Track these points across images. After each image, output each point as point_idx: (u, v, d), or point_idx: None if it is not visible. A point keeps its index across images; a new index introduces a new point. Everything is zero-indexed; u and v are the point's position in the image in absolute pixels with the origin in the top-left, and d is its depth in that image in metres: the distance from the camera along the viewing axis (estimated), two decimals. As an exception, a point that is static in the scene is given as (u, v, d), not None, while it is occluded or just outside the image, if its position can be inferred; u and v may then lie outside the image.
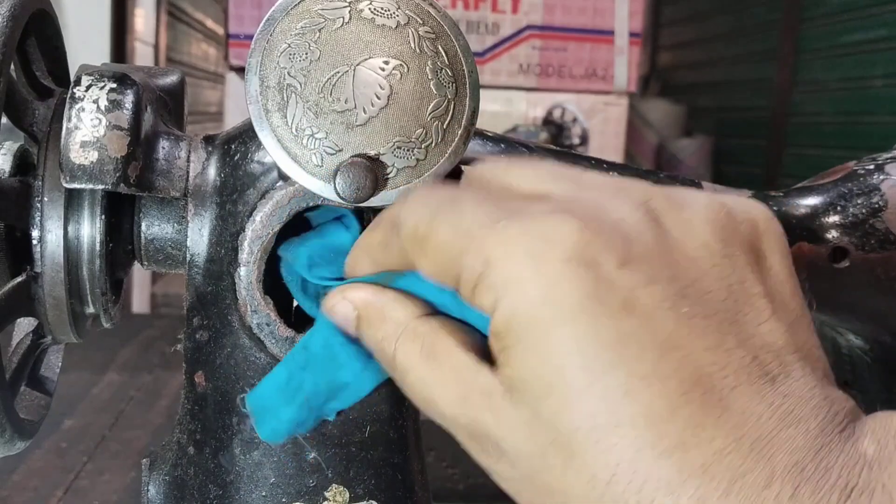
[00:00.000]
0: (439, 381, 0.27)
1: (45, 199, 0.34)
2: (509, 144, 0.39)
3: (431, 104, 0.33)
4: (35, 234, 0.34)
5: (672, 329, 0.24)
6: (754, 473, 0.22)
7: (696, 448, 0.22)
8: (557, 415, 0.24)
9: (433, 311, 0.29)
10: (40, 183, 0.34)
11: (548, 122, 2.30)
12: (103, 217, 0.35)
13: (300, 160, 0.32)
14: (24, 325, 0.39)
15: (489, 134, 0.40)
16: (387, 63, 0.33)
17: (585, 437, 0.23)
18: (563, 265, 0.24)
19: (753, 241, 0.27)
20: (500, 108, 2.21)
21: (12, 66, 0.33)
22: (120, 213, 0.36)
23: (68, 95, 0.33)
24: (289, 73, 0.32)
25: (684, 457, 0.22)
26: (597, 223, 0.25)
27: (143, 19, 2.91)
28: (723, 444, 0.23)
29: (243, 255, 0.35)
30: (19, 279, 0.34)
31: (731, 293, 0.25)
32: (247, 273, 0.35)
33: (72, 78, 0.35)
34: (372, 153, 0.32)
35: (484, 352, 0.27)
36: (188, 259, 0.36)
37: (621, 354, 0.23)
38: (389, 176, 0.33)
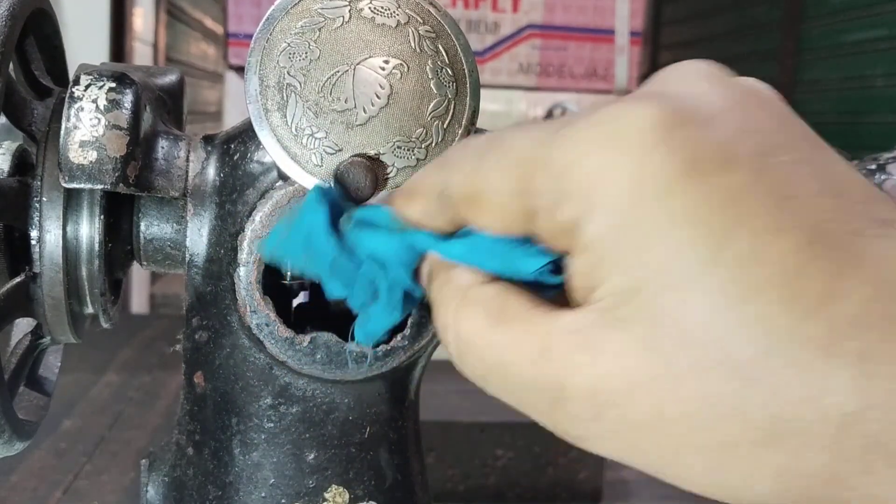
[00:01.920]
0: (512, 340, 0.24)
1: (44, 199, 0.34)
2: (510, 144, 0.39)
3: (432, 104, 0.33)
4: (34, 234, 0.34)
5: (780, 177, 0.22)
6: None
7: (843, 300, 0.20)
8: (683, 306, 0.21)
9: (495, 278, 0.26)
10: (39, 183, 0.34)
11: (548, 121, 2.30)
12: (102, 217, 0.35)
13: (300, 160, 0.32)
14: (22, 326, 0.39)
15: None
16: (387, 62, 0.33)
17: (723, 316, 0.21)
18: (647, 136, 0.22)
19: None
20: (501, 108, 2.21)
21: (11, 66, 0.33)
22: (119, 213, 0.36)
23: (67, 95, 0.33)
24: (288, 73, 0.32)
25: (834, 310, 0.20)
26: (664, 97, 0.23)
27: (142, 19, 2.91)
28: (871, 291, 0.20)
29: (243, 256, 0.35)
30: (18, 279, 0.34)
31: (809, 142, 0.23)
32: (246, 273, 0.35)
33: (71, 77, 0.35)
34: (372, 153, 0.32)
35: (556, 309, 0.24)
36: (187, 259, 0.36)
37: (738, 213, 0.21)
38: (389, 176, 0.32)
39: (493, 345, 0.24)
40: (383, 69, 0.32)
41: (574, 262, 0.23)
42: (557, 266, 0.25)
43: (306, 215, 0.29)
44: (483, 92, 0.35)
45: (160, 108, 0.38)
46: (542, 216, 0.24)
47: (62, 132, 0.32)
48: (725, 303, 0.21)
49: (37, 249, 0.34)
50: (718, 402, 0.21)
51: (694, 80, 0.25)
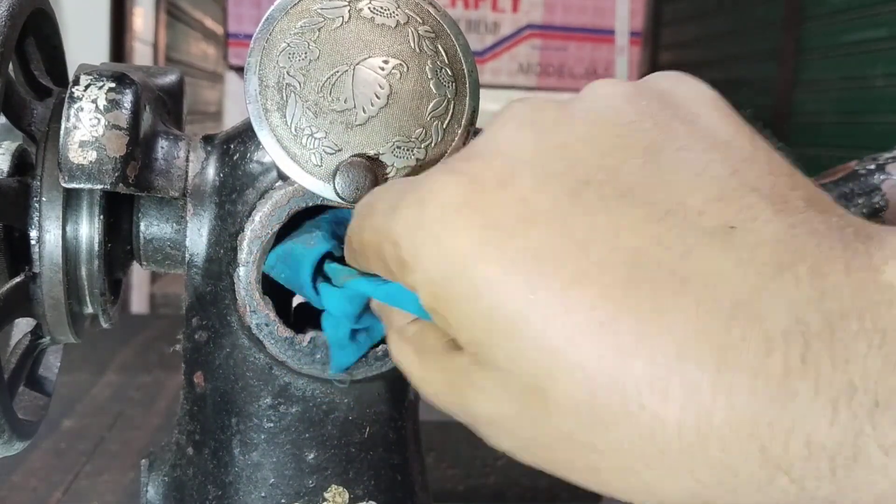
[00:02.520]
0: (432, 375, 0.26)
1: (44, 199, 0.34)
2: (509, 144, 0.39)
3: (431, 104, 0.33)
4: (33, 234, 0.34)
5: (583, 221, 0.22)
6: (746, 343, 0.19)
7: (664, 335, 0.20)
8: (514, 359, 0.22)
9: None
10: (39, 183, 0.34)
11: (548, 121, 2.30)
12: (102, 217, 0.35)
13: (299, 160, 0.32)
14: (22, 326, 0.39)
15: (489, 133, 0.39)
16: (386, 62, 0.33)
17: (549, 366, 0.21)
18: (447, 211, 0.23)
19: (675, 104, 0.25)
20: (500, 108, 2.20)
21: (11, 66, 0.33)
22: (119, 212, 0.36)
23: (67, 95, 0.33)
24: (288, 73, 0.32)
25: (655, 347, 0.19)
26: (472, 159, 0.24)
27: (142, 18, 2.90)
28: (695, 319, 0.19)
29: (242, 255, 0.35)
30: (17, 279, 0.34)
31: (648, 157, 0.23)
32: (246, 273, 0.35)
33: (70, 77, 0.35)
34: (371, 153, 0.32)
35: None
36: (187, 259, 0.36)
37: (541, 270, 0.21)
38: (389, 176, 0.32)
39: (422, 378, 0.27)
40: (383, 69, 0.32)
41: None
42: None
43: (302, 260, 0.33)
44: (483, 92, 0.35)
45: (160, 108, 0.38)
46: (397, 277, 0.26)
47: (62, 132, 0.32)
48: (551, 350, 0.21)
49: (36, 249, 0.34)
50: (565, 436, 0.22)
51: (518, 123, 0.25)
